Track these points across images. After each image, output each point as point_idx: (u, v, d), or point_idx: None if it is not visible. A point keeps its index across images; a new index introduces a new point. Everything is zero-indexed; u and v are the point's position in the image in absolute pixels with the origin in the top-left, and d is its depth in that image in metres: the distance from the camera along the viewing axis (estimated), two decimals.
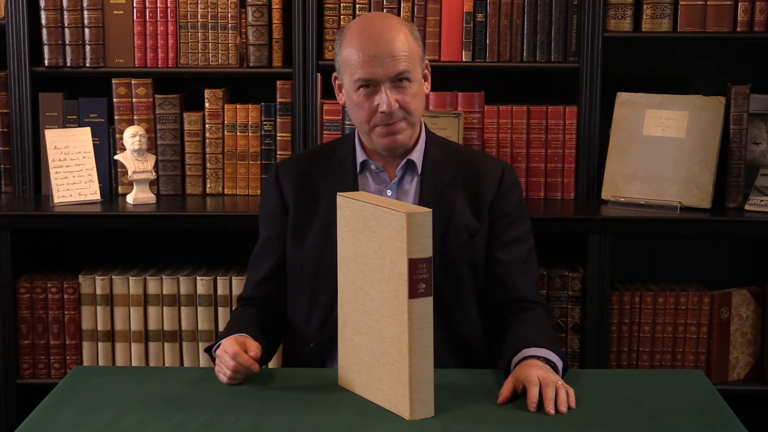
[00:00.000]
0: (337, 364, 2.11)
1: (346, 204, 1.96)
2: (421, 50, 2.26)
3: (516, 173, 2.42)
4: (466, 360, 2.27)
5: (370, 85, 2.20)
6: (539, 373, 1.94)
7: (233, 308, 2.39)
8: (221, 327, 2.94)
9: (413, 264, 1.78)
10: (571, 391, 1.91)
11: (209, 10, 3.02)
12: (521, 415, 1.87)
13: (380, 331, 1.87)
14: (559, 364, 2.04)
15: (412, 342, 1.80)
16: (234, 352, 1.99)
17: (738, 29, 2.94)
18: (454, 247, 2.26)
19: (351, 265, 1.95)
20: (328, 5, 3.00)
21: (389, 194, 2.29)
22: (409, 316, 1.79)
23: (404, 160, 2.29)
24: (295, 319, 2.32)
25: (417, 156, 2.30)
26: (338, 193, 1.99)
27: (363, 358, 1.93)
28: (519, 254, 2.29)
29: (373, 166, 2.31)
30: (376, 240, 1.86)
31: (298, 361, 2.29)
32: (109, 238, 3.18)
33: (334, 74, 2.32)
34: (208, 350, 2.16)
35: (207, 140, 3.08)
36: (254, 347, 2.04)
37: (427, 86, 2.31)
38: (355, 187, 2.29)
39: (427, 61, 2.31)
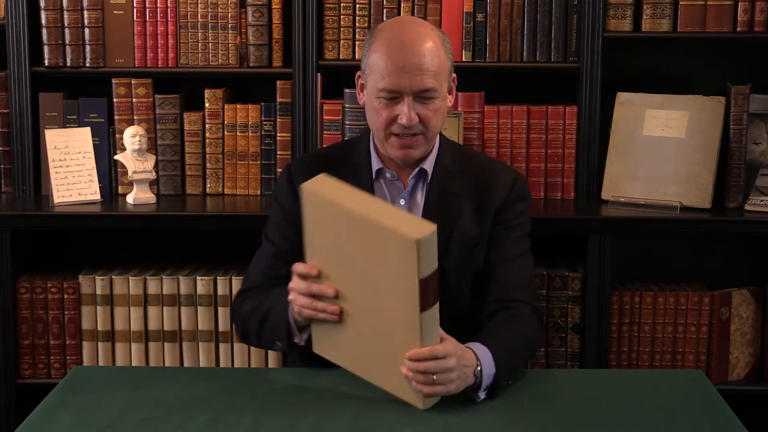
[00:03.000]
0: None
1: (316, 202, 1.89)
2: (450, 64, 2.21)
3: (526, 184, 2.38)
4: None
5: (393, 95, 2.16)
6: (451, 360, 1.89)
7: (240, 298, 2.28)
8: (221, 327, 2.94)
9: (424, 282, 1.77)
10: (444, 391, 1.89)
11: (209, 10, 3.02)
12: (521, 413, 1.87)
13: (389, 334, 1.85)
14: (486, 363, 1.95)
15: (423, 346, 1.81)
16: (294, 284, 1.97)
17: (738, 29, 2.94)
18: (457, 259, 2.24)
19: (338, 269, 1.91)
20: (328, 5, 3.00)
21: (402, 204, 2.26)
22: (421, 327, 1.80)
23: (417, 169, 2.27)
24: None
25: (429, 165, 2.28)
26: (302, 185, 1.93)
27: (369, 352, 1.91)
28: (510, 255, 2.26)
29: (388, 175, 2.27)
30: (374, 254, 1.82)
31: (307, 360, 2.27)
32: (109, 238, 3.18)
33: (358, 73, 2.27)
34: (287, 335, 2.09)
35: (207, 140, 3.08)
36: (303, 266, 1.97)
37: (450, 99, 2.26)
38: (370, 194, 2.25)
39: (454, 75, 2.27)
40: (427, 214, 2.24)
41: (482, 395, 1.95)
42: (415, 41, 2.16)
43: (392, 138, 2.20)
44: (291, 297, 1.99)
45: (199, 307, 2.93)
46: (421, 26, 2.24)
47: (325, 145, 2.97)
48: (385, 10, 2.97)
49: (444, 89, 2.21)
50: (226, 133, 3.07)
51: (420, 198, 2.28)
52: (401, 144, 2.20)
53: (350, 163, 2.30)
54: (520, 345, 2.12)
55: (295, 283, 1.98)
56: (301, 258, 2.22)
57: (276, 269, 2.27)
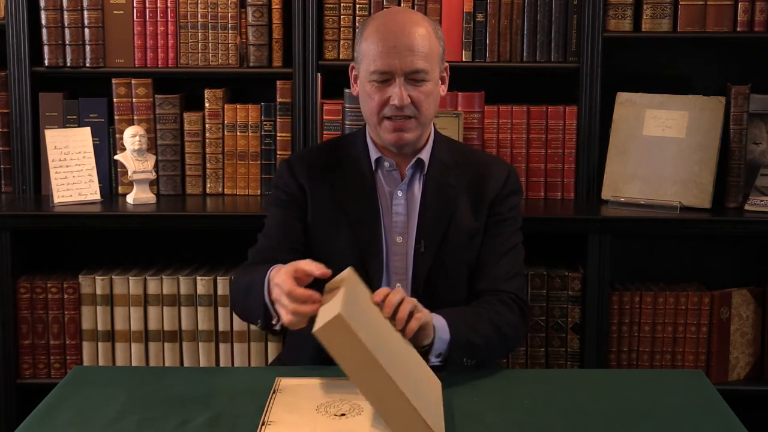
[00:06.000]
0: None
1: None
2: (441, 51, 2.25)
3: (519, 178, 2.40)
4: None
5: (385, 78, 2.19)
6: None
7: (239, 269, 2.24)
8: (221, 327, 2.94)
9: None
10: (419, 316, 1.90)
11: (209, 10, 3.02)
12: (521, 414, 1.87)
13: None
14: (440, 328, 1.98)
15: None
16: (288, 290, 1.83)
17: (738, 29, 2.94)
18: (453, 250, 2.26)
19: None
20: (328, 5, 3.00)
21: (400, 195, 2.28)
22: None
23: (414, 159, 2.29)
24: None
25: (426, 155, 2.30)
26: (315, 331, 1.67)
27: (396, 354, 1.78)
28: (502, 248, 2.28)
29: (387, 164, 2.29)
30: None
31: (315, 356, 2.28)
32: (109, 238, 3.18)
33: (352, 64, 2.31)
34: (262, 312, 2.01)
35: (207, 140, 3.08)
36: (309, 263, 1.87)
37: (443, 89, 2.30)
38: (372, 185, 2.27)
39: (446, 64, 2.30)
40: (424, 205, 2.27)
41: (433, 359, 1.97)
42: (405, 24, 2.20)
43: (385, 122, 2.22)
44: (274, 295, 1.91)
45: (199, 307, 2.93)
46: (412, 13, 2.31)
47: None
48: (408, 8, 2.96)
49: (435, 73, 2.23)
50: (226, 133, 3.07)
51: (417, 189, 2.29)
52: (394, 127, 2.21)
53: (349, 156, 2.32)
54: (486, 325, 2.12)
55: (285, 304, 1.87)
56: (302, 234, 2.24)
57: (285, 241, 2.26)
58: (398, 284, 2.26)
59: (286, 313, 1.87)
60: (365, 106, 2.26)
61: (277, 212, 2.31)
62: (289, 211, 2.30)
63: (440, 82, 2.28)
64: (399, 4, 2.99)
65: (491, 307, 2.19)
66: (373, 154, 2.30)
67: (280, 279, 1.89)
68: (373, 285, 2.24)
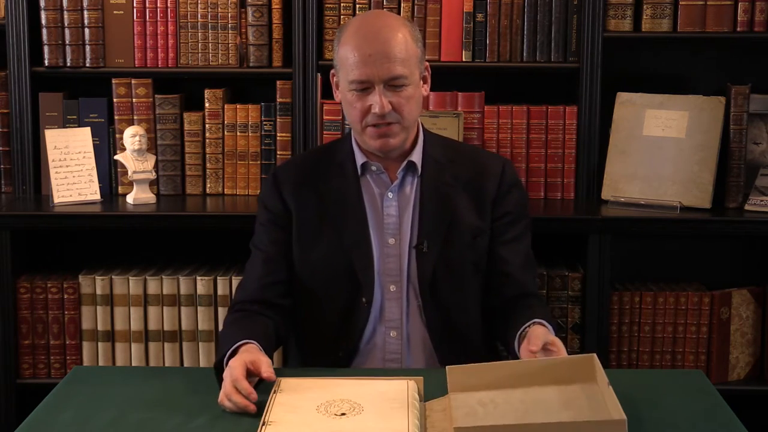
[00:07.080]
0: (361, 360, 2.19)
1: None
2: (420, 52, 2.23)
3: (515, 168, 2.42)
4: (466, 360, 2.26)
5: (365, 86, 2.18)
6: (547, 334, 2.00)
7: (231, 312, 2.28)
8: (221, 327, 2.93)
9: None
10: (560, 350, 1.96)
11: (209, 10, 3.02)
12: None
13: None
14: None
15: None
16: (235, 377, 1.88)
17: (738, 29, 2.94)
18: (458, 248, 2.25)
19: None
20: (328, 5, 3.00)
21: (390, 197, 2.27)
22: None
23: (405, 162, 2.28)
24: (310, 324, 2.31)
25: (417, 157, 2.28)
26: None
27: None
28: (521, 251, 2.30)
29: (373, 167, 2.28)
30: None
31: (315, 363, 2.29)
32: (109, 238, 3.18)
33: (332, 71, 2.30)
34: (218, 366, 2.03)
35: (207, 140, 3.08)
36: (266, 365, 1.94)
37: (425, 88, 2.28)
38: (358, 190, 2.28)
39: (426, 63, 2.29)
40: (423, 205, 2.26)
41: None
42: (380, 30, 2.18)
43: (368, 129, 2.21)
44: (224, 374, 1.93)
45: (199, 307, 2.93)
46: (387, 17, 2.29)
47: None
48: (384, 10, 2.96)
49: (415, 76, 2.21)
50: (226, 133, 3.07)
51: (409, 191, 2.28)
52: (378, 133, 2.21)
53: (335, 162, 2.31)
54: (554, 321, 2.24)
55: (226, 389, 1.90)
56: (289, 254, 2.24)
57: (269, 275, 2.28)
58: (392, 286, 2.26)
59: (222, 394, 1.89)
60: (348, 114, 2.25)
61: (262, 239, 2.32)
62: (273, 234, 2.30)
63: (422, 82, 2.26)
64: (399, 4, 2.99)
65: (544, 306, 2.32)
66: (359, 158, 2.29)
67: (235, 364, 1.92)
68: (363, 287, 2.24)
